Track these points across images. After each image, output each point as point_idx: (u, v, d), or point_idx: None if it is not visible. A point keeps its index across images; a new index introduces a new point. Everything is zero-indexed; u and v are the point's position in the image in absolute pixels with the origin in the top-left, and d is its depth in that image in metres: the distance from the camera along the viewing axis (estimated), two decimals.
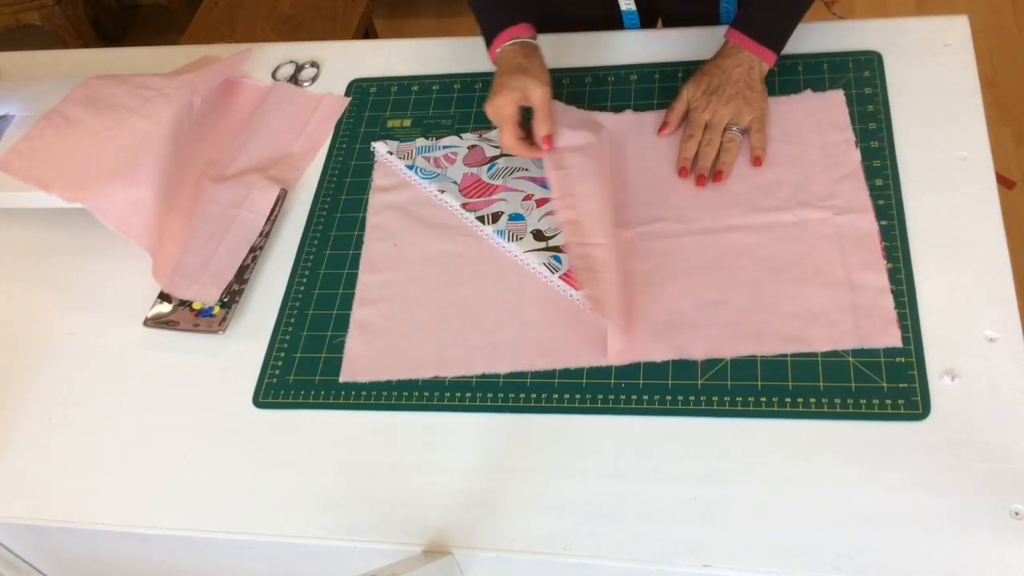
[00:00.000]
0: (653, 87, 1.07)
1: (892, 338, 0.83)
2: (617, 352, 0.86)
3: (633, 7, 1.13)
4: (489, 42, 1.00)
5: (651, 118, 1.04)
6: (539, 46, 0.99)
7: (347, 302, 0.97)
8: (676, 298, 0.89)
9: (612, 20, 1.16)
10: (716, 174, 0.96)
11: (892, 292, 0.85)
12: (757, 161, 0.96)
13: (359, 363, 0.92)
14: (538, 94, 0.93)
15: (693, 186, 0.97)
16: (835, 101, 1.00)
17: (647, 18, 1.16)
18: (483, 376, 0.89)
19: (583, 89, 1.09)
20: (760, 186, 0.95)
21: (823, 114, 0.99)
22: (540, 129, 0.94)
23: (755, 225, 0.92)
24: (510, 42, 0.98)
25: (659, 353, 0.86)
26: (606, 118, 1.05)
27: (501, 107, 0.94)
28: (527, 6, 1.00)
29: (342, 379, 0.91)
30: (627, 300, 0.89)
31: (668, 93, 1.05)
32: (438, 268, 0.97)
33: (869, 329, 0.84)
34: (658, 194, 0.98)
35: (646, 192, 0.98)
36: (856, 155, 0.95)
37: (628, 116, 1.05)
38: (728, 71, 0.98)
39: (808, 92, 1.01)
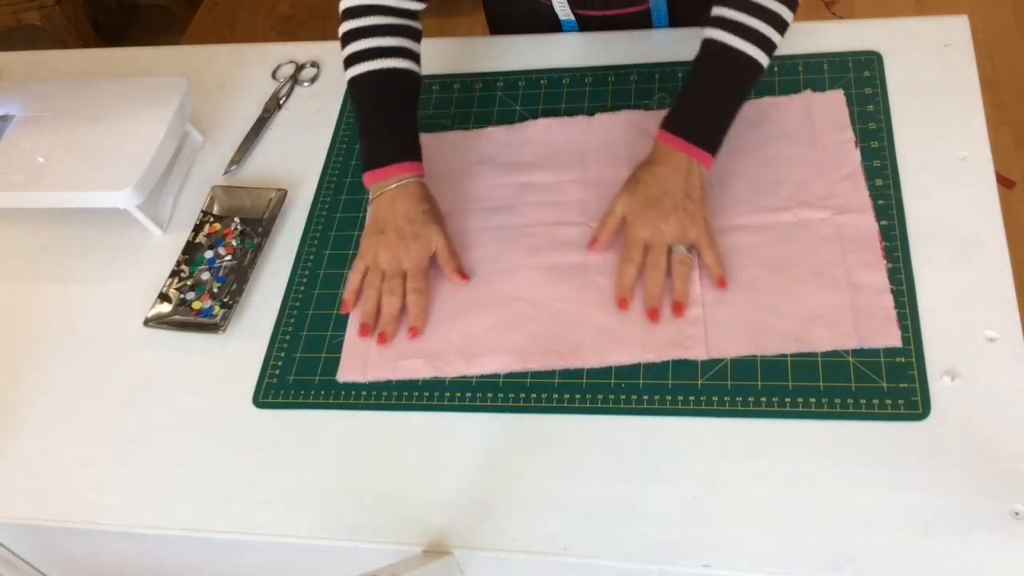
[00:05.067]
0: (653, 87, 1.07)
1: (892, 338, 0.83)
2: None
3: (572, 17, 1.13)
4: (378, 163, 0.95)
5: (651, 117, 1.03)
6: (426, 185, 0.96)
7: None
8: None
9: (548, 29, 1.16)
10: (675, 306, 0.87)
11: (892, 292, 0.85)
12: (721, 283, 0.88)
13: (355, 363, 0.92)
14: (442, 244, 0.94)
15: None
16: (835, 101, 1.00)
17: (585, 23, 1.15)
18: (483, 376, 0.89)
19: (583, 89, 1.09)
20: (760, 186, 0.95)
21: (823, 114, 0.99)
22: (451, 270, 0.94)
23: (755, 225, 0.92)
24: (412, 178, 0.94)
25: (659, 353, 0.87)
26: (604, 117, 1.05)
27: (419, 260, 0.93)
28: (416, 139, 0.97)
29: (339, 378, 0.91)
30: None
31: (670, 93, 1.05)
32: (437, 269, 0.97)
33: (869, 329, 0.84)
34: None
35: None
36: (856, 155, 0.95)
37: (626, 115, 1.05)
38: (664, 179, 0.88)
39: (808, 92, 1.01)
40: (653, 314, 0.88)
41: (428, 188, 0.96)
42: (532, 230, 0.98)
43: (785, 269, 0.89)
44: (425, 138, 1.08)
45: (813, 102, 1.00)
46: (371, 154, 0.96)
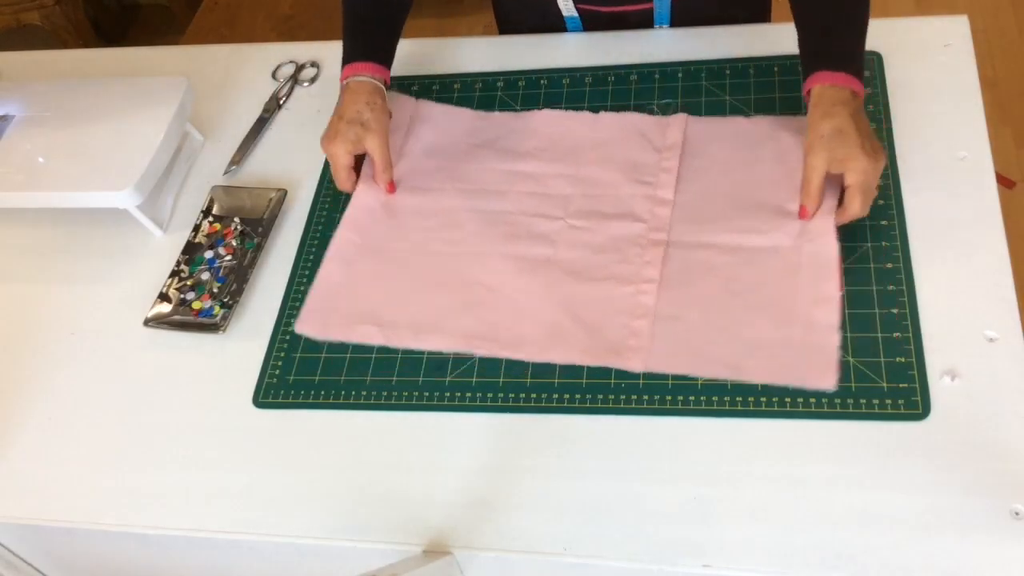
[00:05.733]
0: (653, 87, 1.07)
1: (827, 381, 0.81)
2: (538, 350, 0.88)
3: (575, 13, 1.13)
4: (343, 65, 1.02)
5: (653, 122, 1.03)
6: (384, 90, 1.01)
7: None
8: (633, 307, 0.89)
9: (556, 26, 1.17)
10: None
11: (840, 331, 0.83)
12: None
13: (316, 318, 0.95)
14: (374, 145, 0.98)
15: (678, 198, 0.96)
16: None
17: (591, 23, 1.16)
18: (483, 376, 0.89)
19: (583, 89, 1.09)
20: (742, 206, 0.93)
21: None
22: (380, 179, 1.00)
23: (727, 245, 0.91)
24: (356, 78, 0.99)
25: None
26: (607, 117, 1.05)
27: (337, 156, 0.99)
28: (385, 45, 1.03)
29: (296, 329, 0.95)
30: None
31: (668, 93, 1.05)
32: (423, 240, 0.98)
33: (806, 368, 0.82)
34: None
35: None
36: (839, 185, 0.91)
37: (630, 118, 1.05)
38: (848, 118, 0.85)
39: None
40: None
41: (378, 89, 0.99)
42: (511, 218, 0.98)
43: (745, 294, 0.87)
44: (435, 108, 1.09)
45: None
46: (342, 58, 1.02)
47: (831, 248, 0.88)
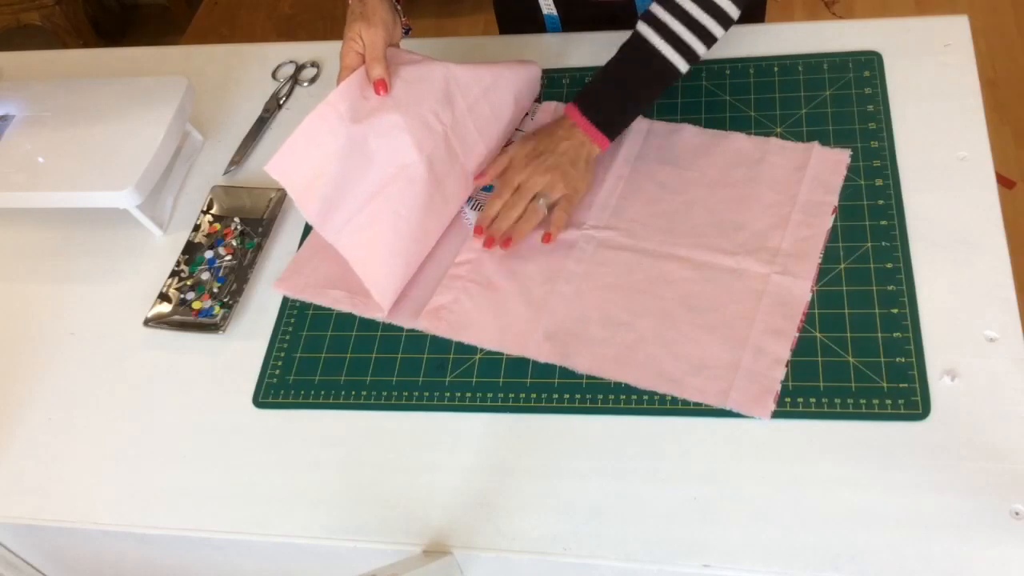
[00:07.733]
0: None
1: (763, 411, 0.81)
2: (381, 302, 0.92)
3: (554, 11, 1.13)
4: None
5: (655, 126, 1.03)
6: None
7: None
8: (588, 308, 0.90)
9: (536, 23, 1.18)
10: (504, 240, 0.94)
11: (787, 366, 0.83)
12: (547, 238, 0.94)
13: (296, 279, 0.98)
14: (367, 36, 0.93)
15: (654, 203, 0.96)
16: (836, 160, 0.95)
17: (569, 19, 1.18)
18: (482, 376, 0.89)
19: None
20: (720, 224, 0.93)
21: (819, 170, 0.95)
22: (370, 72, 0.93)
23: (695, 261, 0.91)
24: None
25: (543, 354, 0.88)
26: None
27: (342, 56, 0.94)
28: None
29: (274, 287, 0.98)
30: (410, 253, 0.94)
31: (669, 92, 1.05)
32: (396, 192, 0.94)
33: (744, 395, 0.82)
34: (623, 203, 0.97)
35: (614, 199, 0.98)
36: (828, 221, 0.91)
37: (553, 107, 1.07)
38: (557, 142, 0.96)
39: (816, 144, 0.97)
40: (489, 242, 0.95)
41: None
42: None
43: (701, 312, 0.87)
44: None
45: (815, 156, 0.96)
46: None
47: (803, 289, 0.87)
